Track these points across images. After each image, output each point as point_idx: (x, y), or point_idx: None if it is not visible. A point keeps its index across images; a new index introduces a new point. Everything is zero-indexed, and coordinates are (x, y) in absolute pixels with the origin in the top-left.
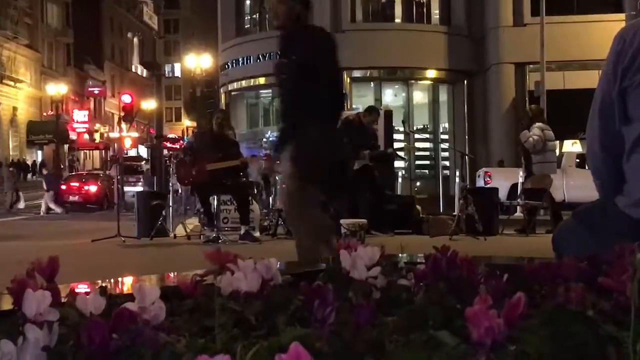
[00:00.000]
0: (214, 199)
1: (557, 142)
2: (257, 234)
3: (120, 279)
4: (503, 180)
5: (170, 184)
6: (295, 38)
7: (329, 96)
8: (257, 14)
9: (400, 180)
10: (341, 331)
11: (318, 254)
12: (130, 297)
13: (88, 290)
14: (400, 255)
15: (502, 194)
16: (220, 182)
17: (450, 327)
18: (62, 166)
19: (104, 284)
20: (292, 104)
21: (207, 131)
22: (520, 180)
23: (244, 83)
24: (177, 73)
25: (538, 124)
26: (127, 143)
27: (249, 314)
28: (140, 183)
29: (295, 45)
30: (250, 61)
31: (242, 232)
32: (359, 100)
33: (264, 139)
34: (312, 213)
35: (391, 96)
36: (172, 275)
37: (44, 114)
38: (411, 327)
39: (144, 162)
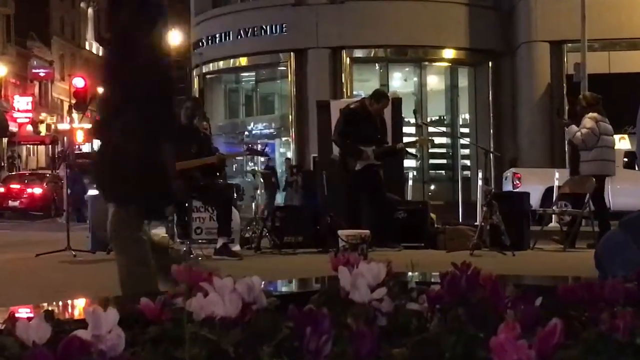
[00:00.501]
0: (184, 205)
1: (615, 136)
2: (237, 247)
3: (70, 302)
4: (535, 183)
5: None
6: None
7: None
8: None
9: (410, 182)
10: None
11: (143, 281)
12: (82, 324)
13: (31, 314)
14: (410, 273)
15: (535, 200)
16: (195, 184)
17: (470, 358)
18: None
19: (50, 308)
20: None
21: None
22: (557, 183)
23: (221, 64)
24: None
25: (591, 114)
26: (80, 137)
27: (227, 344)
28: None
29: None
30: (229, 37)
31: (218, 245)
32: (361, 86)
33: (246, 133)
34: (130, 236)
35: (400, 81)
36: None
37: None
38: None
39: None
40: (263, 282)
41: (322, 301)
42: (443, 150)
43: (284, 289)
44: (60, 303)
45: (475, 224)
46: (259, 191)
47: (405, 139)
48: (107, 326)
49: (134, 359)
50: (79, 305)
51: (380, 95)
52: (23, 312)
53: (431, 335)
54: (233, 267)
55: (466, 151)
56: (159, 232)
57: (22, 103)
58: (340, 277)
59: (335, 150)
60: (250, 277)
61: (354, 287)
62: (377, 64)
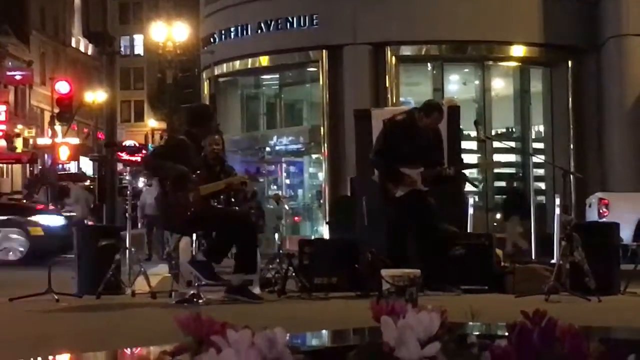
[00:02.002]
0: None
1: None
2: (256, 290)
3: (51, 358)
4: (627, 211)
5: (127, 215)
6: None
7: None
8: None
9: (471, 211)
10: None
11: None
12: None
13: None
14: (470, 324)
15: (627, 233)
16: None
17: None
18: None
19: None
20: None
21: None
22: None
23: (237, 65)
24: (139, 50)
25: None
26: (64, 153)
27: None
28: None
29: None
30: (247, 32)
31: (234, 282)
32: (410, 91)
33: (267, 149)
34: None
35: (458, 85)
36: (128, 352)
37: None
38: None
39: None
40: (288, 335)
41: (362, 358)
42: (512, 170)
43: (314, 343)
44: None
45: (552, 262)
46: (283, 221)
47: (465, 158)
48: None
49: None
50: None
51: (432, 108)
52: None
53: None
54: (251, 314)
55: (540, 171)
56: (162, 270)
57: None
58: (384, 329)
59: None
60: (272, 329)
61: (400, 342)
62: (429, 64)
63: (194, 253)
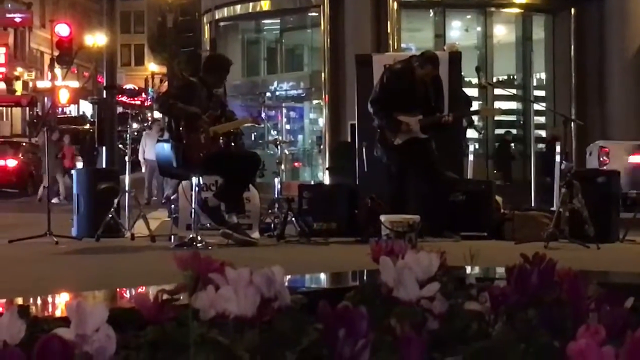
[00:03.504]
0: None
1: None
2: (255, 235)
3: (50, 297)
4: (627, 159)
5: (127, 158)
6: None
7: None
8: None
9: (471, 158)
10: None
11: None
12: (64, 322)
13: (1, 310)
14: (469, 266)
15: (626, 181)
16: (231, 151)
17: None
18: None
19: (25, 303)
20: None
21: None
22: None
23: (238, 9)
24: None
25: None
26: (64, 96)
27: (241, 349)
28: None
29: None
30: None
31: (231, 220)
32: (412, 37)
33: (268, 94)
34: None
35: (460, 31)
36: (127, 292)
37: None
38: None
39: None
40: (288, 276)
41: (360, 299)
42: (512, 118)
43: (312, 285)
44: (38, 298)
45: (552, 209)
46: (282, 166)
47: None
48: (94, 324)
49: None
50: (60, 301)
51: (425, 60)
52: None
53: (494, 342)
54: (250, 257)
55: (541, 119)
56: (161, 214)
57: None
58: (382, 269)
59: None
60: (270, 268)
61: (399, 282)
62: (431, 10)
63: (195, 197)
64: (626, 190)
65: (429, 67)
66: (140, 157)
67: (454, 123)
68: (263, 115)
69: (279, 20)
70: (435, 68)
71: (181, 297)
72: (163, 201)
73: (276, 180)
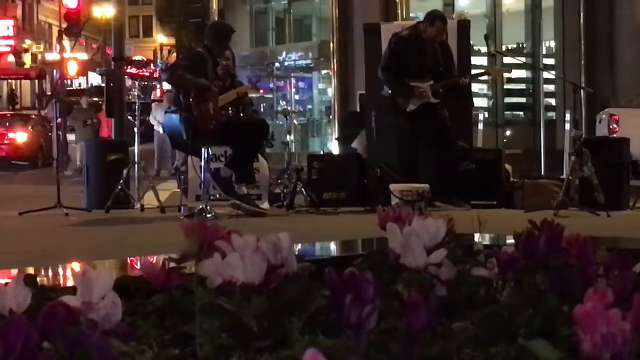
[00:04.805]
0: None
1: None
2: (265, 205)
3: (58, 266)
4: (638, 127)
5: (136, 129)
6: None
7: None
8: None
9: (481, 126)
10: (386, 343)
11: None
12: (72, 291)
13: (8, 280)
14: (477, 233)
15: (636, 149)
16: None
17: (550, 336)
18: None
19: (32, 272)
20: None
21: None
22: None
23: None
24: None
25: None
26: (72, 69)
27: (248, 316)
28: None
29: None
30: None
31: (240, 190)
32: (421, 6)
33: (276, 64)
34: None
35: None
36: (134, 260)
37: None
38: (493, 337)
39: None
40: (298, 245)
41: (367, 266)
42: (522, 86)
43: (320, 253)
44: (45, 268)
45: (561, 177)
46: (291, 136)
47: (474, 72)
48: (100, 291)
49: (134, 333)
50: (69, 271)
51: (434, 17)
52: (0, 277)
53: (502, 307)
54: (259, 227)
55: (551, 87)
56: (170, 186)
57: (1, 27)
58: (389, 235)
59: None
60: (277, 235)
61: (406, 248)
62: None
63: (204, 168)
64: (636, 157)
65: (438, 22)
66: (154, 124)
67: (465, 88)
68: (271, 85)
69: None
70: (444, 25)
71: (188, 265)
72: (172, 172)
73: (285, 151)
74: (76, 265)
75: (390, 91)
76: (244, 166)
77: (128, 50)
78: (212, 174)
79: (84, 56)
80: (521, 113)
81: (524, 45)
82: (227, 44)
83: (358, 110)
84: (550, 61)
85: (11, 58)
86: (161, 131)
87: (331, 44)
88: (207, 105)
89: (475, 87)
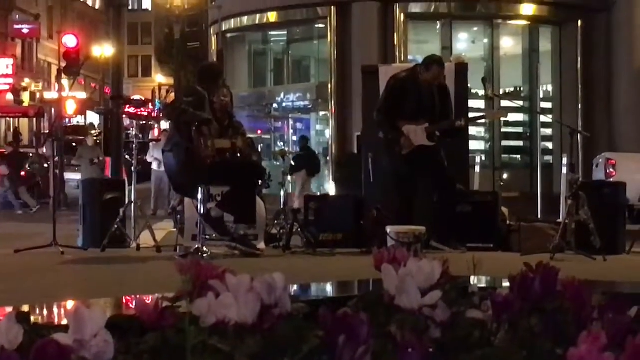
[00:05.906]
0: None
1: None
2: (261, 245)
3: (51, 304)
4: (634, 171)
5: (133, 168)
6: None
7: None
8: None
9: (478, 169)
10: None
11: None
12: (65, 329)
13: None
14: (472, 275)
15: (633, 193)
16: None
17: None
18: None
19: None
20: None
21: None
22: None
23: (245, 21)
24: (146, 4)
25: None
26: (71, 107)
27: (241, 356)
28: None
29: None
30: None
31: (237, 231)
32: (419, 49)
33: (274, 105)
34: None
35: (467, 43)
36: (128, 299)
37: None
38: None
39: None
40: (294, 286)
41: (362, 307)
42: (519, 130)
43: (316, 294)
44: (39, 305)
45: (558, 221)
46: (289, 177)
47: (471, 115)
48: (92, 329)
49: None
50: (61, 309)
51: (431, 62)
52: None
53: (496, 350)
54: (255, 268)
55: (548, 131)
56: (167, 225)
57: (1, 66)
58: (385, 277)
59: None
60: (271, 275)
61: (400, 289)
62: (438, 22)
63: (203, 208)
64: (633, 202)
65: (435, 67)
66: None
67: (461, 130)
68: (269, 126)
69: (285, 32)
70: (441, 69)
71: (182, 305)
72: (169, 211)
73: (282, 192)
74: (70, 304)
75: (384, 135)
76: (242, 206)
77: (127, 90)
78: (205, 213)
79: (82, 95)
80: (518, 156)
81: (522, 88)
82: (220, 83)
83: (356, 151)
84: (547, 105)
85: (10, 96)
86: (157, 169)
87: (329, 86)
88: (206, 139)
89: (472, 130)
